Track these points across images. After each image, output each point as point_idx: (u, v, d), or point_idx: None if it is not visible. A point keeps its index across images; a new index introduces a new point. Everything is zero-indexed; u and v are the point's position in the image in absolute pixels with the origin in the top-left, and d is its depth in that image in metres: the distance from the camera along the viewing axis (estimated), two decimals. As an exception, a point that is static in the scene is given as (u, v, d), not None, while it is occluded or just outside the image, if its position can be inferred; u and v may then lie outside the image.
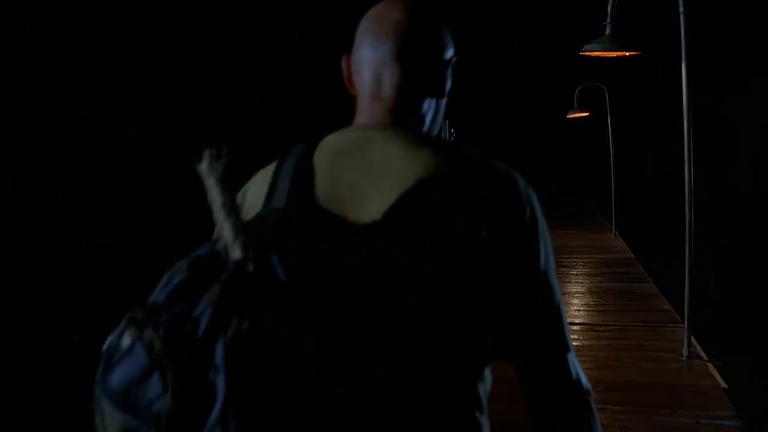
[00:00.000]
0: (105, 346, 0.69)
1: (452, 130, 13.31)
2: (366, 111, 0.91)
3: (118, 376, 0.64)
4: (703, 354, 4.03)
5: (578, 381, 0.86)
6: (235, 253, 0.67)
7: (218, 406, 0.60)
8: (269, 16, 10.39)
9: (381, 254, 0.75)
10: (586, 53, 4.37)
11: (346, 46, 0.91)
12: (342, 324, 0.68)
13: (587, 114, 8.57)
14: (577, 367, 0.85)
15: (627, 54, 4.51)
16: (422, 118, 0.91)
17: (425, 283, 0.74)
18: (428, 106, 0.92)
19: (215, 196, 0.69)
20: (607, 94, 8.85)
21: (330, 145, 0.85)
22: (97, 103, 9.65)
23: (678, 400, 3.40)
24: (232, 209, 0.68)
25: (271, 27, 10.30)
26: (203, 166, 0.69)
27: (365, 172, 0.79)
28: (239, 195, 0.90)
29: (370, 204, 0.78)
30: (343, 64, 0.96)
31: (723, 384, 3.58)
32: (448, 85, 0.93)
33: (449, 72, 0.91)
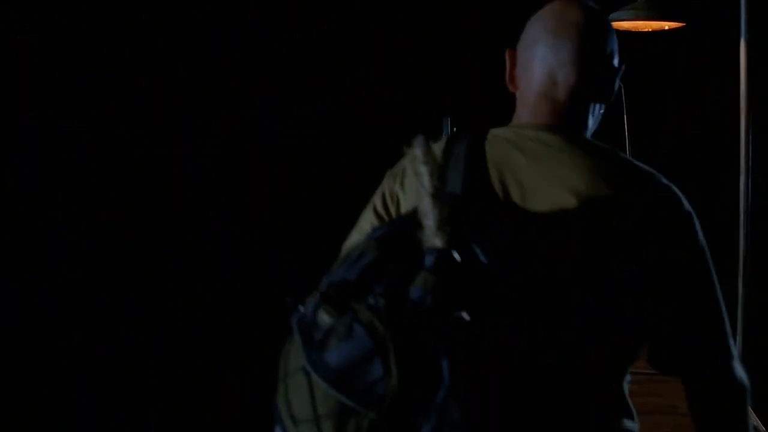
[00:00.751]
0: (296, 319, 0.69)
1: (454, 129, 12.35)
2: (533, 109, 0.91)
3: (336, 356, 0.64)
4: (761, 426, 2.58)
5: (740, 388, 0.87)
6: (438, 241, 0.69)
7: (441, 392, 0.62)
8: (269, 16, 10.36)
9: (547, 246, 0.78)
10: (613, 24, 3.01)
11: (512, 40, 0.91)
12: (514, 309, 0.72)
13: None
14: (739, 373, 0.86)
15: (666, 28, 3.16)
16: (586, 122, 0.92)
17: (586, 277, 0.78)
18: (594, 111, 0.93)
19: (426, 184, 0.71)
20: (622, 88, 7.35)
21: (500, 138, 0.87)
22: (97, 103, 9.63)
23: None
24: (440, 199, 0.70)
25: (271, 27, 10.27)
26: (418, 153, 0.72)
27: (536, 170, 0.82)
28: (389, 174, 0.93)
29: (539, 200, 0.81)
30: (507, 58, 0.95)
31: None
32: (614, 92, 0.92)
33: (618, 80, 0.92)
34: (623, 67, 0.93)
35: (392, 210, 0.88)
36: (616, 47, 0.92)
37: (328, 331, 0.65)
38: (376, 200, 0.92)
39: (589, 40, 0.89)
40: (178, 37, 9.86)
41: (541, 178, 0.82)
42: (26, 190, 8.46)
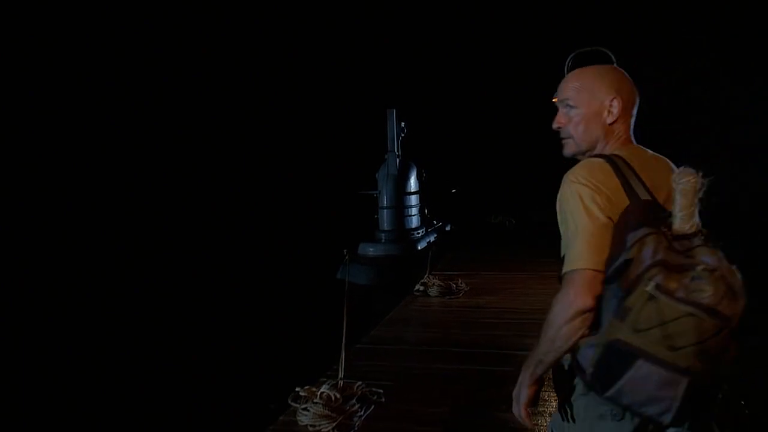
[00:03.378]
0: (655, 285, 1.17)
1: (402, 124, 9.71)
2: (628, 135, 1.44)
3: (711, 299, 1.13)
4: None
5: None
6: (689, 227, 1.20)
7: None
8: (269, 17, 10.32)
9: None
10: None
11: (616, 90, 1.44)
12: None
13: None
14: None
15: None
16: None
17: None
18: None
19: (690, 191, 1.21)
20: (615, 64, 4.99)
21: (635, 157, 1.37)
22: (97, 103, 9.64)
23: None
24: (693, 202, 1.20)
25: (271, 27, 10.24)
26: (692, 175, 1.22)
27: (660, 174, 1.34)
28: (598, 193, 1.34)
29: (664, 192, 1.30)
30: (618, 103, 1.42)
31: None
32: None
33: None
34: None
35: (612, 208, 1.29)
36: None
37: (688, 289, 1.14)
38: (597, 203, 1.31)
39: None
40: (178, 36, 9.82)
41: (663, 178, 1.32)
42: (26, 190, 8.46)
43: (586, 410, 1.34)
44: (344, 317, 3.11)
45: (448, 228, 11.35)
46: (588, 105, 1.45)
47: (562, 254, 1.34)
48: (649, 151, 1.43)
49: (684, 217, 1.20)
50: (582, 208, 1.30)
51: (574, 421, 1.36)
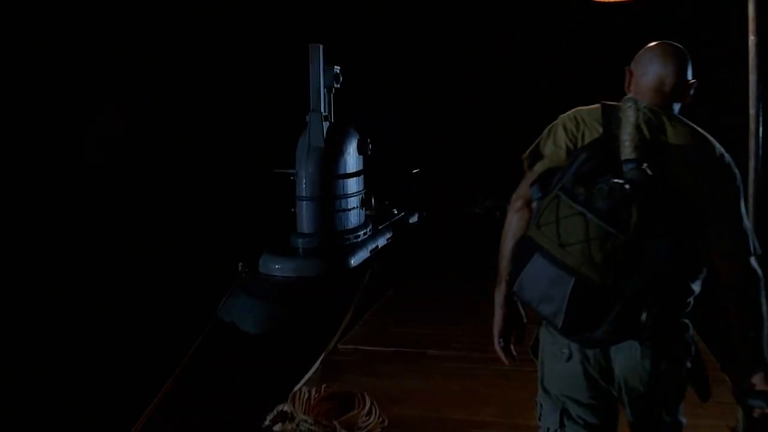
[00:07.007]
0: (559, 190, 1.30)
1: (336, 70, 6.14)
2: (648, 97, 1.47)
3: (604, 206, 1.22)
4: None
5: (754, 273, 1.39)
6: (633, 154, 1.29)
7: (660, 225, 1.24)
8: (268, 17, 10.30)
9: (671, 173, 1.35)
10: None
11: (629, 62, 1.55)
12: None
13: None
14: (755, 265, 1.39)
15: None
16: (674, 108, 1.50)
17: (690, 194, 1.40)
18: (677, 105, 1.51)
19: (632, 119, 1.35)
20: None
21: (635, 108, 1.44)
22: (97, 102, 9.60)
23: None
24: (638, 131, 1.34)
25: (269, 27, 10.23)
26: (633, 104, 1.36)
27: (663, 129, 1.40)
28: (569, 120, 1.49)
29: (665, 146, 1.38)
30: (627, 73, 1.54)
31: None
32: (688, 97, 1.53)
33: (692, 90, 1.52)
34: (695, 83, 1.52)
35: (579, 139, 1.43)
36: (691, 70, 1.52)
37: (589, 194, 1.23)
38: (561, 133, 1.46)
39: (681, 63, 1.49)
40: (178, 36, 9.76)
41: (663, 134, 1.40)
42: (26, 190, 8.39)
43: (542, 350, 1.45)
44: None
45: (414, 220, 7.96)
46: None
47: None
48: (689, 124, 1.46)
49: (628, 143, 1.32)
50: (546, 133, 1.49)
51: (542, 363, 1.45)
